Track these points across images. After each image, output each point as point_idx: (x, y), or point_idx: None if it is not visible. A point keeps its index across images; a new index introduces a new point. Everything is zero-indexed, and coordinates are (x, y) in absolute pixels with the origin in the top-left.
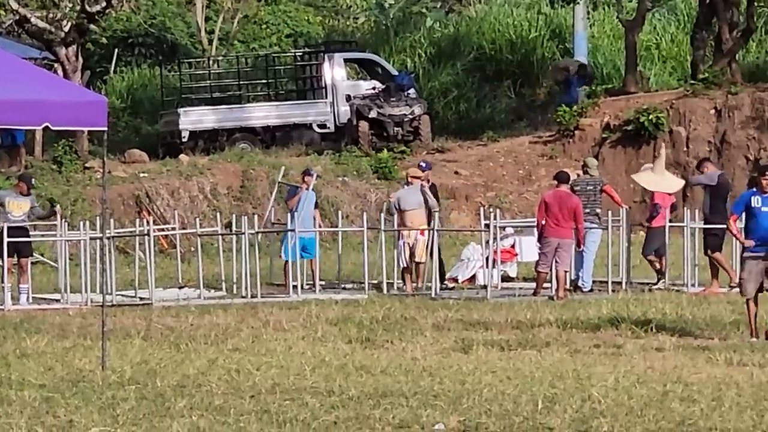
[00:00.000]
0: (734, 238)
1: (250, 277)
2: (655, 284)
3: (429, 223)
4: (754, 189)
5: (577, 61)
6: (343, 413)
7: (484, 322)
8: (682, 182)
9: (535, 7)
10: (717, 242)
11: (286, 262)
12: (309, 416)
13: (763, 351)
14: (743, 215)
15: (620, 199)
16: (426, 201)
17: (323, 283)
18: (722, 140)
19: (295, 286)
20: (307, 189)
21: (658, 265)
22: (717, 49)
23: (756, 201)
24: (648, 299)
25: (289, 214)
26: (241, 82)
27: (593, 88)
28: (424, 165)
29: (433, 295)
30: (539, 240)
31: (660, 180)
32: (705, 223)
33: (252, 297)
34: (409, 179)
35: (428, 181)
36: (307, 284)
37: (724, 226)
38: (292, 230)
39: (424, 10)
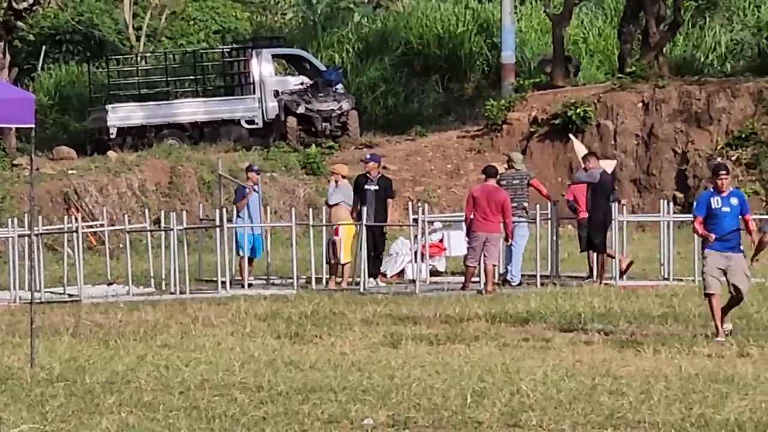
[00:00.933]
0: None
1: (178, 273)
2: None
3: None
4: (711, 190)
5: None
6: (272, 409)
7: (413, 317)
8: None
9: (463, 2)
10: (603, 241)
11: (241, 258)
12: (238, 412)
13: (692, 344)
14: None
15: (548, 193)
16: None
17: (251, 279)
18: (650, 133)
19: (224, 282)
20: (255, 189)
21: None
22: (644, 42)
23: (716, 202)
24: (576, 293)
25: (237, 213)
26: (168, 79)
27: (522, 82)
28: (369, 157)
29: (361, 290)
30: (467, 234)
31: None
32: (587, 221)
33: (181, 293)
34: (333, 176)
35: (378, 173)
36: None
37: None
38: (220, 226)
39: (351, 6)
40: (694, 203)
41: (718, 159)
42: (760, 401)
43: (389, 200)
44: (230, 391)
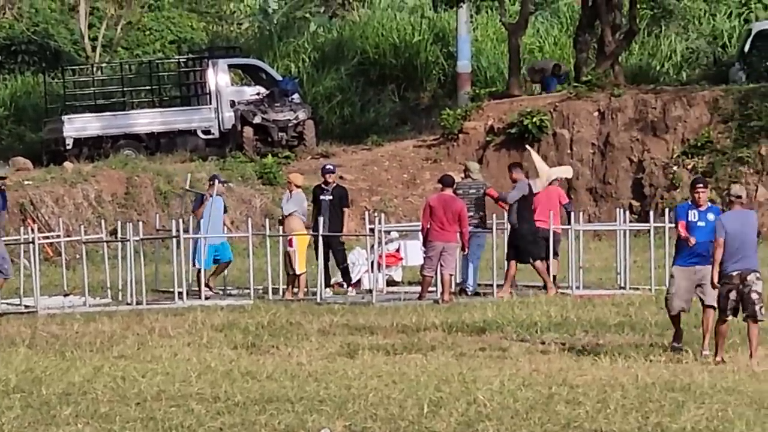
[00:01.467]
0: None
1: (135, 284)
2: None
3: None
4: (689, 202)
5: (551, 61)
6: (229, 419)
7: (370, 327)
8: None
9: (419, 11)
10: (538, 250)
11: (200, 270)
12: (195, 423)
13: (648, 352)
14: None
15: (503, 204)
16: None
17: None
18: (605, 142)
19: (180, 293)
20: (212, 195)
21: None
22: (600, 51)
23: (693, 215)
24: (533, 302)
25: (196, 222)
26: (125, 89)
27: (478, 91)
28: (332, 167)
29: (318, 300)
30: (424, 244)
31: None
32: (511, 232)
33: (137, 304)
34: (290, 186)
35: (335, 182)
36: (220, 289)
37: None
38: (176, 237)
39: (307, 15)
40: (674, 214)
41: (675, 168)
42: (716, 410)
43: (345, 210)
44: (187, 401)
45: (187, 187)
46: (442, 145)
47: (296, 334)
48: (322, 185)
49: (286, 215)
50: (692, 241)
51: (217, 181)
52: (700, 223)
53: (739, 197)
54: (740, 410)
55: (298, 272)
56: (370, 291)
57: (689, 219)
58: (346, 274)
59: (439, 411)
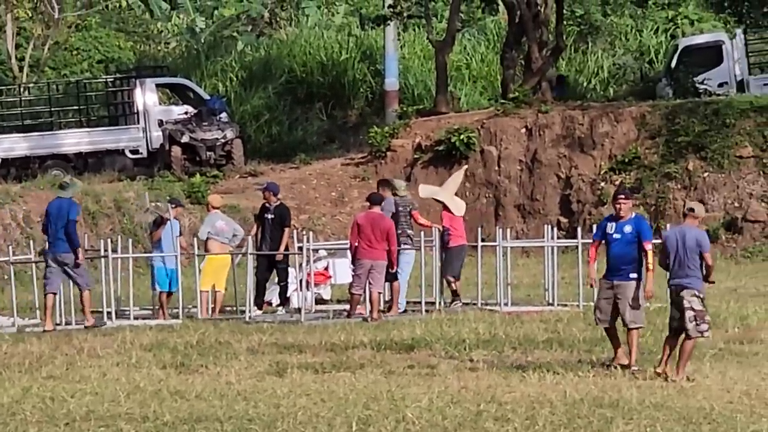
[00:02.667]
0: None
1: (64, 304)
2: (452, 304)
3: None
4: (611, 215)
5: (554, 73)
6: None
7: (299, 345)
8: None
9: (346, 30)
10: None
11: (161, 292)
12: None
13: (577, 369)
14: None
15: (429, 222)
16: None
17: (136, 309)
18: (533, 159)
19: (109, 313)
20: (169, 219)
21: (454, 286)
22: (527, 67)
23: (610, 228)
24: (461, 319)
25: (153, 245)
26: (52, 109)
27: (405, 109)
28: (274, 187)
29: (247, 319)
30: (353, 262)
31: (442, 193)
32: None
33: (66, 324)
34: (209, 208)
35: (278, 201)
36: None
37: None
38: (105, 256)
39: (234, 34)
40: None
41: (602, 185)
42: (645, 425)
43: (286, 229)
44: (116, 422)
45: (149, 207)
46: (370, 163)
47: (225, 353)
48: (266, 204)
49: (202, 240)
50: (589, 278)
51: (175, 204)
52: (616, 235)
53: (692, 210)
54: (669, 426)
55: (203, 289)
56: (299, 309)
57: (607, 231)
58: (284, 292)
59: (368, 429)
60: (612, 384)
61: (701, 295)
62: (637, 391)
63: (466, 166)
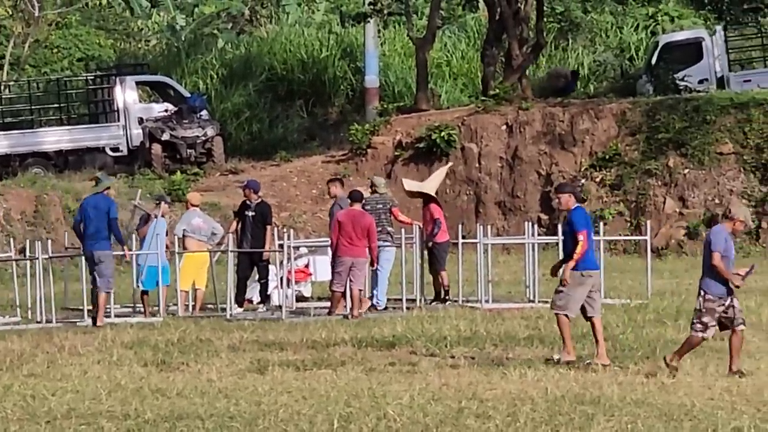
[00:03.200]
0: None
1: (44, 302)
2: (444, 299)
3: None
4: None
5: (567, 69)
6: None
7: (280, 343)
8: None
9: (326, 27)
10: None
11: (143, 292)
12: None
13: (557, 366)
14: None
15: (409, 220)
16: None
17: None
18: (513, 156)
19: (89, 310)
20: (156, 217)
21: (447, 281)
22: (507, 65)
23: (562, 222)
24: (442, 316)
25: (140, 241)
26: (33, 107)
27: (386, 106)
28: (253, 184)
29: (227, 317)
30: (333, 259)
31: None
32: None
33: (47, 322)
34: (188, 205)
35: (259, 199)
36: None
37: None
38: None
39: (215, 32)
40: None
41: (583, 180)
42: (625, 422)
43: (268, 226)
44: (97, 419)
45: (137, 203)
46: (351, 161)
47: (206, 350)
48: (247, 201)
49: (178, 236)
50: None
51: (163, 202)
52: (564, 228)
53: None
54: (650, 422)
55: (183, 288)
56: (280, 307)
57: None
58: (264, 289)
59: (349, 426)
60: (593, 381)
61: (705, 295)
62: (618, 388)
63: (450, 164)
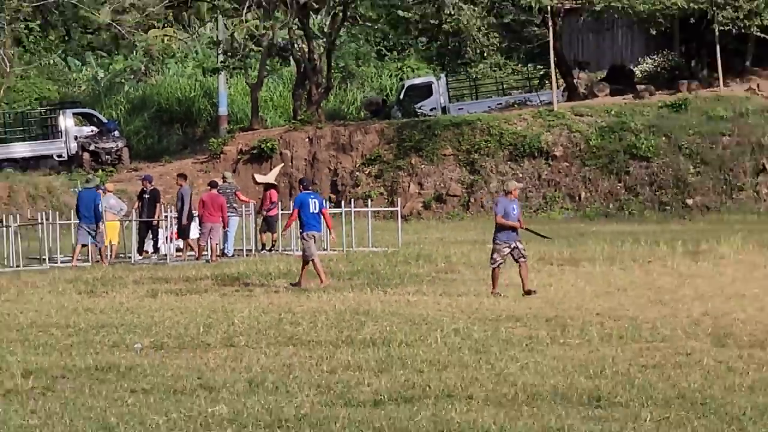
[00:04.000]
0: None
1: (14, 254)
2: (270, 250)
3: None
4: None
5: (379, 97)
6: (76, 339)
7: (166, 278)
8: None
9: (194, 77)
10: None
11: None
12: (54, 341)
13: (342, 290)
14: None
15: (247, 199)
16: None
17: (62, 256)
18: (313, 158)
19: (44, 259)
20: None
21: (265, 240)
22: (309, 100)
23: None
24: (269, 260)
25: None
26: (6, 129)
27: (232, 127)
28: (149, 177)
29: (132, 262)
30: (200, 224)
31: (270, 178)
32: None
33: (17, 267)
34: (105, 191)
35: (152, 186)
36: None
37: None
38: (42, 223)
39: (123, 81)
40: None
41: (357, 174)
42: (386, 326)
43: (157, 204)
44: (48, 329)
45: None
46: (209, 162)
47: (119, 283)
48: (144, 188)
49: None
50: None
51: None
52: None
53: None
54: (401, 326)
55: (108, 243)
56: (166, 255)
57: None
58: (155, 244)
59: (210, 330)
60: (365, 299)
61: (495, 242)
62: (380, 304)
63: (282, 164)
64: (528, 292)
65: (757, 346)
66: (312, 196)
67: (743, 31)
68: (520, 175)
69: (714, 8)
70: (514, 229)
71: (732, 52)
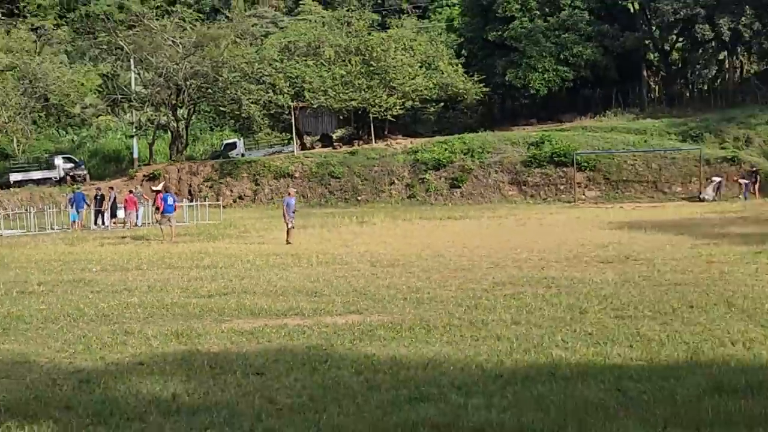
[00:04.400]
0: None
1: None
2: (158, 222)
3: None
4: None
5: (215, 148)
6: (63, 266)
7: (107, 237)
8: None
9: (121, 139)
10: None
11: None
12: (52, 267)
13: (191, 243)
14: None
15: (148, 198)
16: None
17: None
18: (179, 179)
19: (45, 228)
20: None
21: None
22: (177, 150)
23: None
24: (156, 229)
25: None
26: (29, 164)
27: (139, 164)
28: (98, 188)
29: (90, 229)
30: (124, 210)
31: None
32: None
33: (28, 231)
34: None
35: (99, 192)
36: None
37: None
38: (23, 213)
39: (85, 141)
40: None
41: (202, 186)
42: (215, 259)
43: (103, 201)
44: (50, 262)
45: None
46: (129, 181)
47: (85, 239)
48: (96, 193)
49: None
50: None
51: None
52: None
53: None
54: (222, 258)
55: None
56: (107, 226)
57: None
58: (103, 221)
59: (129, 262)
60: (203, 246)
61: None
62: (212, 249)
63: (164, 181)
64: (288, 243)
65: (391, 266)
66: (171, 196)
67: (382, 116)
68: (290, 186)
69: (369, 106)
70: (294, 212)
71: (379, 126)
